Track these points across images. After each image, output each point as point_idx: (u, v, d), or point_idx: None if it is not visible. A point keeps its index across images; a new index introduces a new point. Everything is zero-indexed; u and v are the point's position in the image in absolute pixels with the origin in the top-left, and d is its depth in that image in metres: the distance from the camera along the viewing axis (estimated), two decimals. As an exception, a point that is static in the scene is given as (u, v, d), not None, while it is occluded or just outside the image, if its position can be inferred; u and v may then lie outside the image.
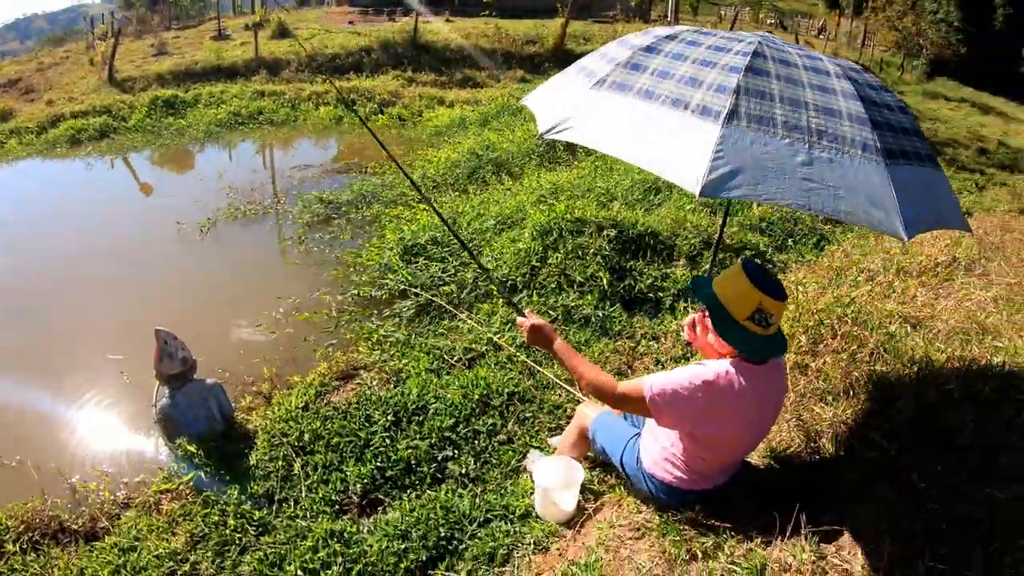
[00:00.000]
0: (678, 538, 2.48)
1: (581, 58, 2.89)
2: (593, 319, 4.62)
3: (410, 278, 5.47)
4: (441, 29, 16.92)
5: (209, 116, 11.27)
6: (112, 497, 3.44)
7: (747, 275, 2.24)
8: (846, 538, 2.38)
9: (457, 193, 7.60)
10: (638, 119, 2.29)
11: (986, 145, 13.56)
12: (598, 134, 2.39)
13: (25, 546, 3.10)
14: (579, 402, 3.75)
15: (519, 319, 2.62)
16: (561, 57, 15.26)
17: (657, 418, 2.35)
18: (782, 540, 2.35)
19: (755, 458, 2.93)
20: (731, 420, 2.32)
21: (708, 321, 2.35)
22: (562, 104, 2.57)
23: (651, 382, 2.30)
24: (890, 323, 3.48)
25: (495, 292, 5.04)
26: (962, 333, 3.32)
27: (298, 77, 13.41)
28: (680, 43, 2.49)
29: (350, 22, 20.15)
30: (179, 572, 2.89)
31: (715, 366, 2.30)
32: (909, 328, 3.45)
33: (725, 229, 5.57)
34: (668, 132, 2.19)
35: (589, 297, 4.77)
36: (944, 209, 2.44)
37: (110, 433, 4.11)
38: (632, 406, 2.39)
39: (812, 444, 2.88)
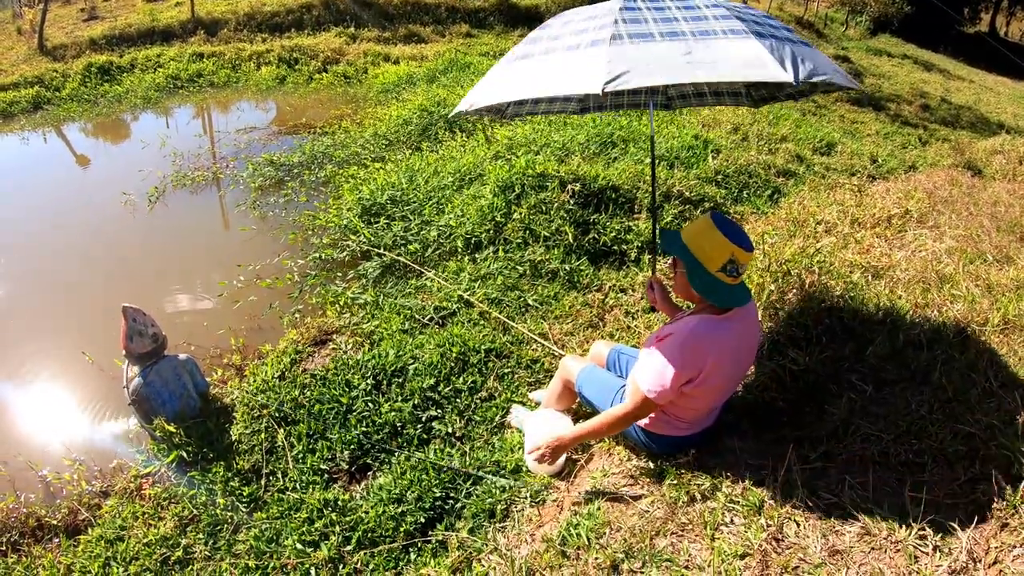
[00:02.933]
0: (676, 481, 2.44)
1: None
2: (561, 273, 4.49)
3: (372, 238, 5.22)
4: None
5: (147, 81, 10.41)
6: (89, 487, 3.17)
7: (719, 228, 2.25)
8: (834, 472, 2.38)
9: (411, 151, 7.27)
10: (541, 68, 2.59)
11: (929, 101, 13.73)
12: (510, 89, 2.70)
13: (4, 548, 2.84)
14: (557, 356, 3.66)
15: (538, 453, 2.64)
16: (506, 12, 14.63)
17: (663, 402, 2.34)
18: (774, 478, 2.34)
19: (737, 402, 2.90)
20: (714, 369, 2.31)
21: (684, 273, 2.34)
22: (478, 89, 2.90)
23: (641, 383, 2.32)
24: (852, 272, 3.48)
25: (460, 249, 4.87)
26: (921, 282, 3.34)
27: (237, 37, 12.53)
28: (562, 21, 2.82)
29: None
30: (172, 558, 2.70)
31: (684, 327, 2.30)
32: (870, 277, 3.45)
33: (683, 182, 5.52)
34: (566, 64, 2.48)
35: (556, 251, 4.63)
36: (831, 68, 2.60)
37: (77, 419, 3.78)
38: (645, 410, 2.38)
39: (791, 387, 2.85)
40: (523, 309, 4.21)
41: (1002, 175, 7.15)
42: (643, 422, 2.56)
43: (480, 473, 2.95)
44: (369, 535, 2.73)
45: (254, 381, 3.69)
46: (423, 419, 3.35)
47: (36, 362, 4.21)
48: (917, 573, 1.95)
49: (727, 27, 2.45)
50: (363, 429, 3.27)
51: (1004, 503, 2.12)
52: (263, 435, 3.31)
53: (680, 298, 2.50)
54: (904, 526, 2.08)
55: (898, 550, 2.04)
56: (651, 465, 2.57)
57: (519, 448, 3.07)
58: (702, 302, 2.35)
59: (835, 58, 15.65)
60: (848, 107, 12.06)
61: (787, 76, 2.24)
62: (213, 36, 12.53)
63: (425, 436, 3.28)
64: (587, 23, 2.57)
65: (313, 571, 2.62)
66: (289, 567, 2.63)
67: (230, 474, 3.11)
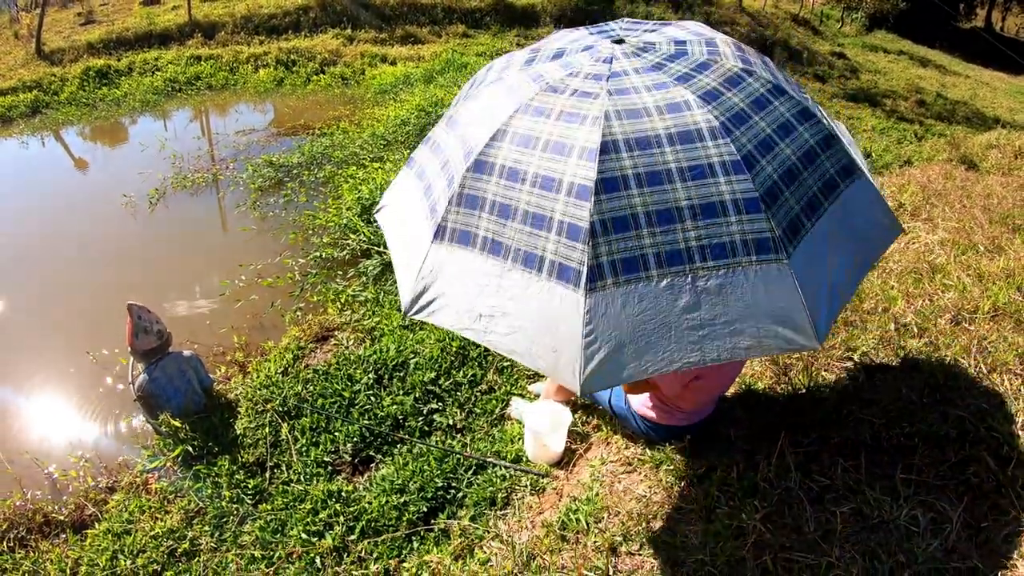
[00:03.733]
0: (672, 467, 2.49)
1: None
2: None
3: (372, 237, 5.27)
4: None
5: (145, 84, 10.44)
6: (95, 483, 3.23)
7: None
8: (826, 457, 2.42)
9: (409, 151, 7.32)
10: (493, 295, 1.79)
11: (924, 97, 13.79)
12: (464, 321, 1.85)
13: (12, 544, 2.89)
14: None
15: None
16: (502, 11, 14.67)
17: (665, 388, 2.37)
18: (768, 462, 2.38)
19: (733, 391, 2.95)
20: (722, 366, 2.32)
21: None
22: (414, 263, 1.97)
23: None
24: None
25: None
26: (913, 272, 3.39)
27: (234, 39, 12.57)
28: (513, 145, 1.83)
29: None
30: (179, 550, 2.75)
31: None
32: (863, 269, 3.50)
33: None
34: (531, 312, 1.72)
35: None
36: (870, 237, 2.01)
37: (82, 416, 3.85)
38: (643, 385, 2.41)
39: (784, 376, 2.90)
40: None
41: (997, 169, 7.19)
42: (645, 411, 2.60)
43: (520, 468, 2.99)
44: (373, 524, 2.78)
45: (257, 377, 3.75)
46: (424, 412, 3.40)
47: (41, 361, 4.25)
48: (909, 551, 2.00)
49: (748, 229, 1.68)
50: (365, 422, 3.32)
51: (994, 483, 2.17)
52: (267, 429, 3.35)
53: None
54: (896, 506, 2.13)
55: (890, 529, 2.09)
56: (648, 452, 2.62)
57: (519, 439, 3.12)
58: None
59: (831, 55, 15.70)
60: (844, 103, 12.12)
61: (815, 343, 1.66)
62: (210, 39, 12.55)
63: (427, 428, 3.34)
64: (550, 176, 1.74)
65: (318, 560, 2.67)
66: (294, 556, 2.68)
67: (235, 467, 3.16)
